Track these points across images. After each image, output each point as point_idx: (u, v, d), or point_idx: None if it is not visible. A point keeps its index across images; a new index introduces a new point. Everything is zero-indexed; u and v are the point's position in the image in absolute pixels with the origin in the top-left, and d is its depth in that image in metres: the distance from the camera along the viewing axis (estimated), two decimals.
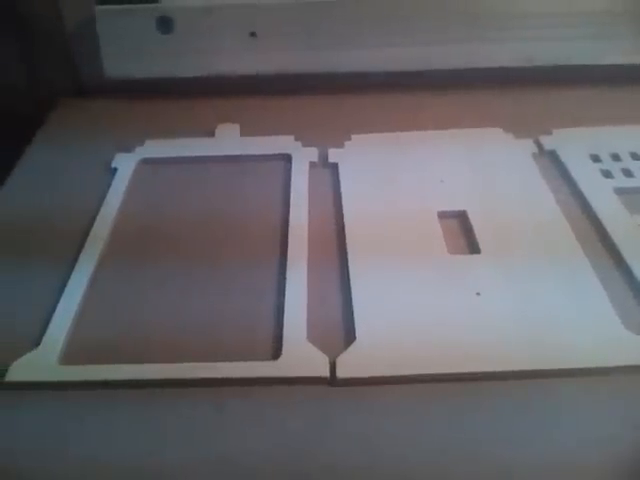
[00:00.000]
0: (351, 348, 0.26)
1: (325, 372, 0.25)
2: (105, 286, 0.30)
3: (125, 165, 0.38)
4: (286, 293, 0.29)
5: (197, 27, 0.42)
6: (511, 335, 0.27)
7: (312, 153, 0.38)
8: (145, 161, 0.39)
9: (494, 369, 0.25)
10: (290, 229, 0.32)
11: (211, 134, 0.41)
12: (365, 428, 0.24)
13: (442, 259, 0.30)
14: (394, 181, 0.36)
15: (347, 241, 0.31)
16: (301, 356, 0.26)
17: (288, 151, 0.39)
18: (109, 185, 0.36)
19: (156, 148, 0.40)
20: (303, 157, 0.38)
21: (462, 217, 0.33)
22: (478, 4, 0.42)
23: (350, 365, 0.25)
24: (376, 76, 0.44)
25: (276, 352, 0.26)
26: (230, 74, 0.44)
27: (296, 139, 0.40)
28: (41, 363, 0.26)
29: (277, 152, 0.39)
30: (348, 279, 0.29)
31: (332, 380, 0.25)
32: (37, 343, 0.27)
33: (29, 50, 0.45)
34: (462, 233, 0.32)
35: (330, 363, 0.26)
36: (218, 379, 0.26)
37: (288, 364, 0.26)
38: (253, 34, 0.43)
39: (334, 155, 0.38)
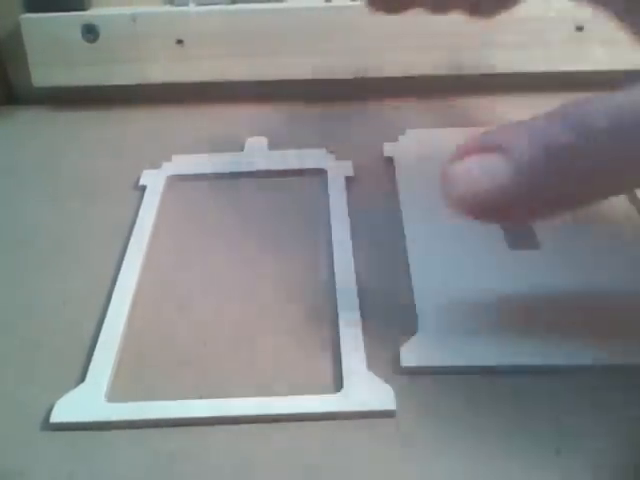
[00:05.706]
0: None
1: (392, 405, 0.24)
2: (147, 313, 0.29)
3: (154, 182, 0.36)
4: (340, 325, 0.27)
5: (122, 35, 0.42)
6: None
7: (347, 167, 0.37)
8: (173, 178, 0.37)
9: None
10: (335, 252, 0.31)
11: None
12: None
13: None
14: None
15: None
16: (364, 388, 0.25)
17: (322, 165, 0.37)
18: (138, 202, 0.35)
19: (184, 164, 0.38)
20: (338, 171, 0.37)
21: None
22: None
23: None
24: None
25: (337, 384, 0.25)
26: (156, 82, 0.43)
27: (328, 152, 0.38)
28: (88, 401, 0.24)
29: (310, 167, 0.37)
30: None
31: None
32: (82, 379, 0.25)
33: None
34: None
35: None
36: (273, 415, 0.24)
37: (350, 397, 0.24)
38: (180, 42, 0.42)
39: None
